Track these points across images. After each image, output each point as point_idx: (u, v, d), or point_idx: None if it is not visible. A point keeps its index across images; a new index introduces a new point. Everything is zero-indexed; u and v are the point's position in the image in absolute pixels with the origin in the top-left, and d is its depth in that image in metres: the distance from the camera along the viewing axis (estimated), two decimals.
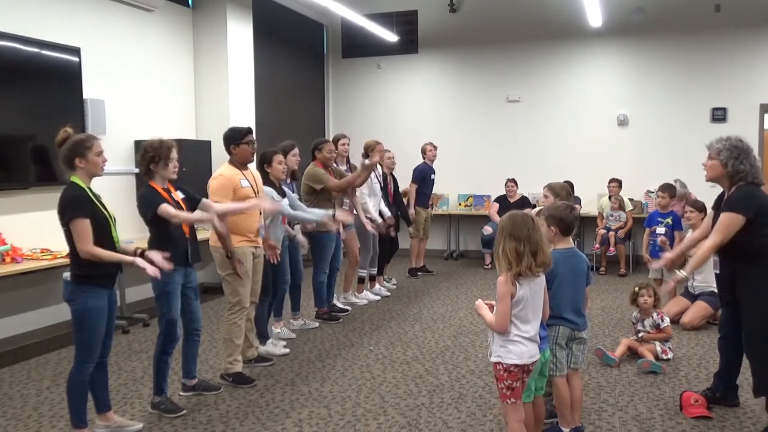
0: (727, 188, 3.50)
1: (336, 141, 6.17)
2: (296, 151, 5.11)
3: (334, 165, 5.94)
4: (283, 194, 4.85)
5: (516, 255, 2.69)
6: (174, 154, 3.71)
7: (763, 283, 3.37)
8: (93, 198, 3.25)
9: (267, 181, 4.69)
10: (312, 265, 5.81)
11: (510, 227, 2.73)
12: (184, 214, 3.64)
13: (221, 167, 4.35)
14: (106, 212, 3.29)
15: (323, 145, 5.79)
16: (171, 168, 3.69)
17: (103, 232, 3.22)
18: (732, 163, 3.39)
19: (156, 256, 3.28)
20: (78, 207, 3.16)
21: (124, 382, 4.33)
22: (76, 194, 3.19)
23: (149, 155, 3.65)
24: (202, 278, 7.22)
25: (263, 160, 4.76)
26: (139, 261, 3.23)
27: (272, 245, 4.60)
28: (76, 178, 3.23)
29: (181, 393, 4.05)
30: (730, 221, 3.34)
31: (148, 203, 3.60)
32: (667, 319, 4.74)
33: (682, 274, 3.66)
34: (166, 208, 3.53)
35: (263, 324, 4.89)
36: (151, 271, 3.21)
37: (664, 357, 4.58)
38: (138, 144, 6.34)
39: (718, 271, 3.79)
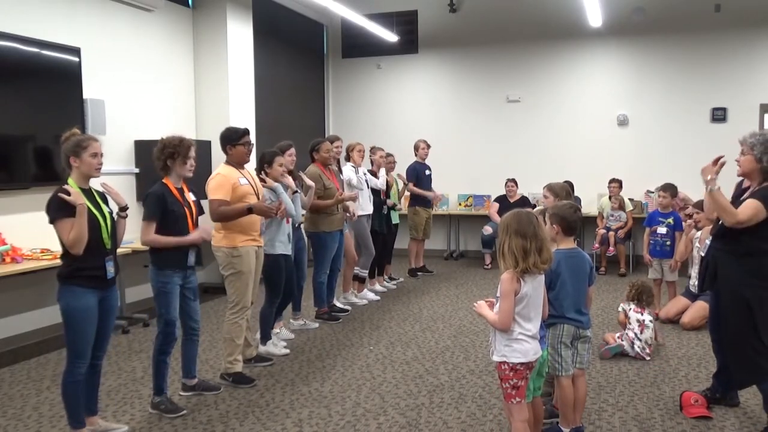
0: (756, 184, 3.40)
1: (330, 143, 6.15)
2: (293, 150, 5.10)
3: (333, 166, 5.94)
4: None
5: (523, 252, 2.70)
6: (192, 153, 3.75)
7: (743, 278, 3.35)
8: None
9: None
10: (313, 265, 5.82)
11: (516, 224, 2.74)
12: (164, 240, 3.66)
13: (219, 167, 4.37)
14: (98, 213, 3.24)
15: (321, 145, 5.79)
16: (188, 167, 3.73)
17: (91, 233, 3.16)
18: (767, 158, 3.31)
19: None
20: (57, 209, 3.11)
21: (124, 382, 4.33)
22: (57, 196, 3.13)
23: (168, 151, 3.67)
24: (202, 278, 7.22)
25: (263, 161, 4.74)
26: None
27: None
28: (70, 179, 3.22)
29: (181, 393, 4.05)
30: (758, 210, 3.26)
31: (152, 208, 3.63)
32: (621, 306, 5.06)
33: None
34: (154, 237, 3.66)
35: (268, 325, 4.89)
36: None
37: (639, 332, 4.79)
38: (138, 144, 6.36)
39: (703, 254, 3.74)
